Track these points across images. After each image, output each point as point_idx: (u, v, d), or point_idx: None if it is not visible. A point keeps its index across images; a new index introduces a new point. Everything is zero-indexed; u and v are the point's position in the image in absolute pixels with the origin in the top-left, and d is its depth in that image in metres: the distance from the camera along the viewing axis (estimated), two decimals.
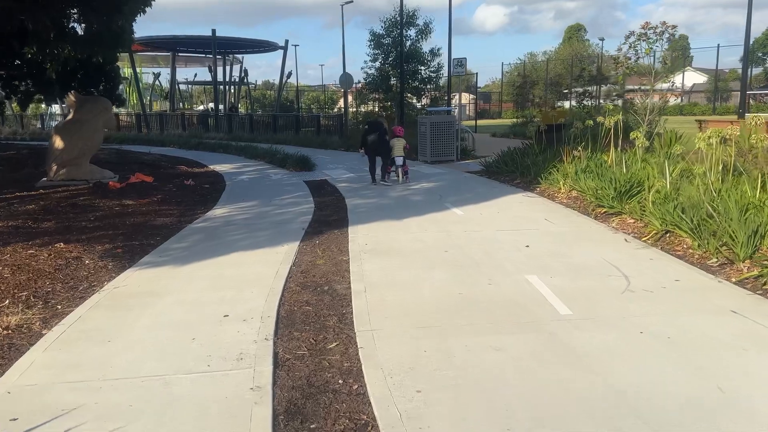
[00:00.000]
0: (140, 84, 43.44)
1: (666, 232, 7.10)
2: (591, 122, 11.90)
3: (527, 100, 51.31)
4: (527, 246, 7.02)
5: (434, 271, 6.10)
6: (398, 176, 12.76)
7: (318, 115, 28.13)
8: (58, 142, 12.61)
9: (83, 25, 13.04)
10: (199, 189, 12.80)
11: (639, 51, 12.04)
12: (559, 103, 48.55)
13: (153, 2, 13.08)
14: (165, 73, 50.99)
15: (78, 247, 7.42)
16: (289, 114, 30.40)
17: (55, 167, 12.79)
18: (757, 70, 57.06)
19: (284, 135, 25.98)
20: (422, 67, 22.91)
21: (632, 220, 7.97)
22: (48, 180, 12.83)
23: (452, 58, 17.28)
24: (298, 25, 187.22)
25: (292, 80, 51.77)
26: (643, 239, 7.21)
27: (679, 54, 13.67)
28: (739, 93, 43.64)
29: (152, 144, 27.08)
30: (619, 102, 13.29)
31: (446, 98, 23.60)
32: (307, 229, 8.36)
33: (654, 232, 7.21)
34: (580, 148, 11.34)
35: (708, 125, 15.10)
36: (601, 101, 22.08)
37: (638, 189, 8.59)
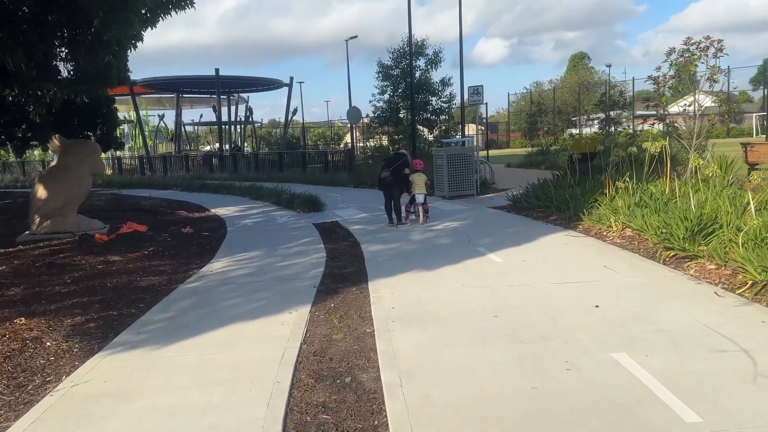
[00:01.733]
0: (144, 126, 42.77)
1: (767, 282, 5.66)
2: (635, 149, 10.55)
3: (537, 129, 50.41)
4: (596, 306, 5.59)
5: (489, 349, 4.67)
6: (419, 216, 11.41)
7: (325, 151, 27.04)
8: (41, 192, 11.39)
9: (69, 64, 11.99)
10: (197, 237, 11.48)
11: (681, 69, 10.79)
12: (569, 131, 47.61)
13: (143, 35, 12.02)
14: (171, 114, 50.49)
15: (41, 323, 6.05)
16: (295, 151, 29.38)
17: (38, 219, 11.54)
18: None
19: (291, 173, 24.87)
20: (433, 98, 21.83)
21: (713, 266, 6.53)
22: (30, 234, 11.58)
23: (467, 86, 16.17)
24: (302, 65, 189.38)
25: (298, 117, 51.11)
26: (738, 292, 5.76)
27: (726, 72, 12.59)
28: (752, 115, 42.32)
29: (154, 187, 26.03)
30: (660, 126, 11.92)
31: (460, 129, 22.44)
32: (319, 287, 6.98)
33: (750, 282, 5.77)
34: (625, 178, 9.98)
35: (754, 148, 13.74)
36: (625, 126, 20.74)
37: (713, 226, 7.17)
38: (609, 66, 69.66)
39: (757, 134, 37.45)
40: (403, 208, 11.50)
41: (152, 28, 12.33)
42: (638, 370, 4.09)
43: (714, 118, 11.30)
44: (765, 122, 38.84)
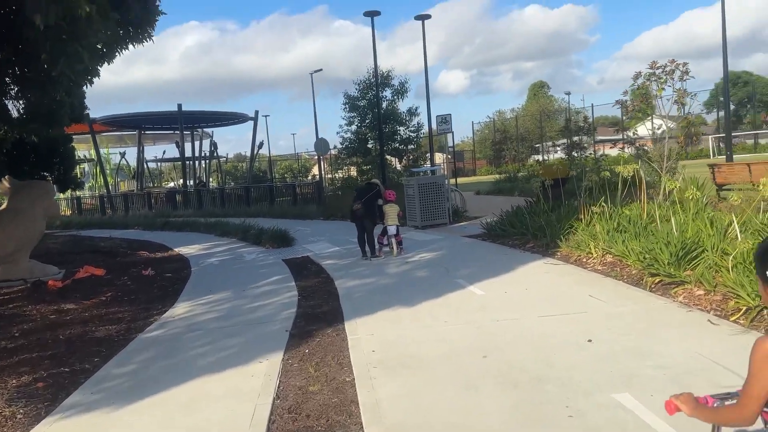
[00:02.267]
0: (104, 164, 41.67)
1: (762, 308, 5.43)
2: (608, 173, 10.46)
3: (502, 156, 51.24)
4: (590, 340, 5.26)
5: (481, 396, 4.28)
6: (392, 248, 11.04)
7: (293, 183, 26.63)
8: None
9: (20, 102, 11.40)
10: (159, 279, 10.86)
11: (649, 92, 10.83)
12: (533, 157, 48.39)
13: (100, 70, 11.54)
14: (134, 152, 49.38)
15: None
16: (262, 185, 28.86)
17: None
18: (722, 113, 57.94)
19: (258, 207, 24.31)
20: (401, 128, 21.73)
21: (702, 292, 6.30)
22: None
23: (435, 115, 16.09)
24: (267, 99, 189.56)
25: (264, 151, 50.64)
26: (732, 318, 5.52)
27: (693, 95, 12.83)
28: (708, 137, 43.69)
29: (115, 227, 25.11)
30: (630, 150, 11.92)
31: (429, 157, 22.36)
32: (291, 330, 6.50)
33: (744, 308, 5.54)
34: (600, 202, 9.84)
35: (721, 169, 13.88)
36: (590, 152, 20.95)
37: (696, 250, 6.99)
38: (568, 93, 71.70)
39: (713, 156, 38.54)
40: (375, 240, 11.14)
41: (109, 63, 11.86)
42: (645, 413, 3.75)
43: (683, 140, 11.32)
44: (721, 144, 40.03)
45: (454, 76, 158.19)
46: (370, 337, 5.93)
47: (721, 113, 52.59)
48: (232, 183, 45.58)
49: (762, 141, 45.21)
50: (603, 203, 9.71)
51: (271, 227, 15.24)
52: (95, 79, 12.05)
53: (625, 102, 11.44)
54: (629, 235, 8.16)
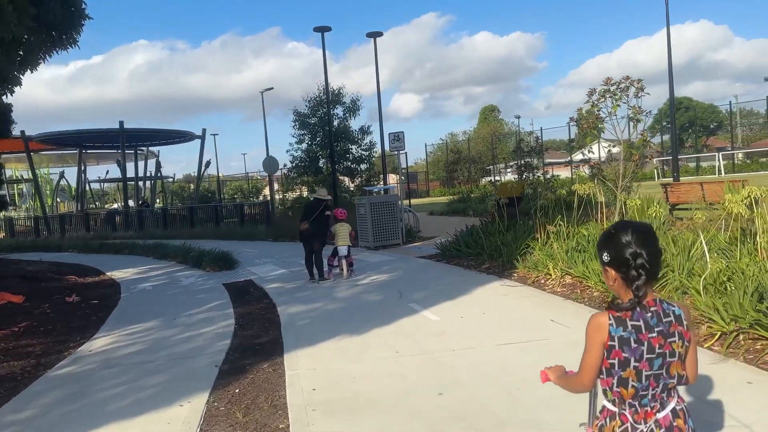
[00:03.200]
0: (41, 185, 39.44)
1: (738, 333, 5.02)
2: (564, 192, 10.13)
3: (455, 177, 51.68)
4: None
5: None
6: (342, 270, 10.35)
7: (241, 203, 25.59)
8: None
9: None
10: (83, 307, 9.82)
11: (603, 109, 10.62)
12: (485, 179, 48.88)
13: (21, 79, 10.56)
14: (75, 171, 47.02)
15: None
16: (207, 205, 27.68)
17: None
18: (665, 137, 60.12)
19: (203, 229, 23.21)
20: (353, 146, 21.18)
21: None
22: None
23: (388, 132, 15.60)
24: (218, 120, 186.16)
25: (213, 171, 49.23)
26: (707, 345, 5.08)
27: (649, 112, 12.84)
28: (653, 160, 45.07)
29: (49, 249, 23.52)
30: (585, 169, 11.67)
31: (382, 177, 21.87)
32: (222, 366, 5.71)
33: (719, 333, 5.12)
34: (558, 221, 9.47)
35: (674, 189, 13.85)
36: (542, 173, 20.91)
37: (662, 270, 6.60)
38: (518, 117, 73.20)
39: (657, 178, 39.57)
40: (325, 262, 10.43)
41: (32, 71, 10.93)
42: None
43: (638, 159, 11.13)
44: (665, 167, 41.21)
45: (407, 99, 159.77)
46: (312, 373, 5.22)
47: (665, 137, 54.69)
48: (179, 204, 43.94)
49: (703, 164, 46.88)
50: (560, 222, 9.34)
51: (214, 249, 14.31)
52: (17, 89, 11.08)
53: (579, 120, 11.19)
54: (589, 255, 7.75)
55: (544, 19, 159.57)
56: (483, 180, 49.12)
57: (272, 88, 28.87)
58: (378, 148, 22.50)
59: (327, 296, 8.94)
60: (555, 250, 8.41)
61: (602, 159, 12.18)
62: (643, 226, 2.02)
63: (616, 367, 1.93)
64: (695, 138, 57.28)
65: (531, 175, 19.84)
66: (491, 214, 12.49)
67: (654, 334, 1.91)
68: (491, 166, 51.05)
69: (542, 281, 8.33)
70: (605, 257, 1.98)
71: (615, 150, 11.22)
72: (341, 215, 10.55)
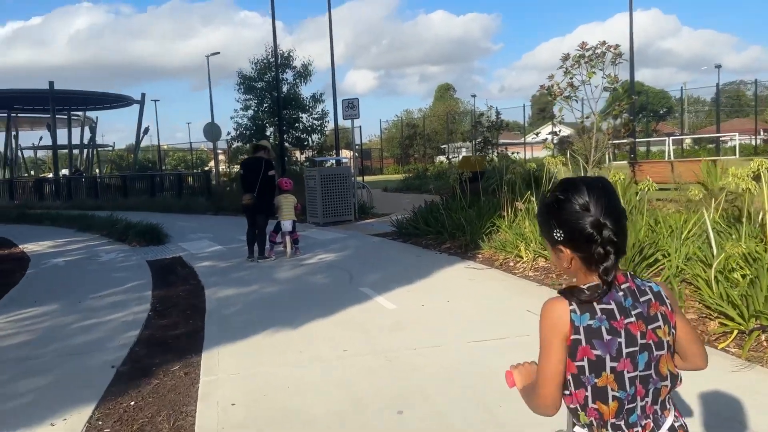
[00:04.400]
0: None
1: (761, 331, 4.14)
2: (533, 165, 9.20)
3: (409, 155, 51.11)
4: None
5: None
6: (286, 248, 9.14)
7: (179, 173, 23.82)
8: None
9: None
10: None
11: (577, 77, 9.71)
12: (439, 158, 48.33)
13: None
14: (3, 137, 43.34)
15: None
16: (143, 174, 25.72)
17: None
18: (617, 121, 60.90)
19: (138, 200, 21.38)
20: (304, 114, 19.76)
21: None
22: None
23: (341, 99, 14.31)
24: (165, 88, 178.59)
25: (155, 140, 46.58)
26: (721, 346, 4.20)
27: (626, 81, 12.10)
28: (624, 135, 45.34)
29: None
30: (554, 144, 10.79)
31: (334, 151, 20.58)
32: (121, 367, 4.48)
33: (734, 331, 4.23)
34: (527, 197, 8.54)
35: (643, 167, 13.22)
36: (501, 150, 20.20)
37: (654, 255, 5.72)
38: (474, 96, 72.35)
39: (608, 162, 39.72)
40: (267, 239, 9.19)
41: None
42: None
43: (610, 132, 10.31)
44: (615, 151, 41.42)
45: (362, 76, 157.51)
46: (234, 380, 4.05)
47: (617, 121, 55.25)
48: (116, 173, 41.34)
49: (653, 149, 47.58)
50: (531, 198, 8.40)
51: (143, 221, 12.81)
52: None
53: (551, 87, 10.26)
54: None
55: (499, 0, 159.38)
56: (438, 158, 48.52)
57: (219, 53, 26.98)
58: (330, 118, 21.20)
59: (266, 277, 7.74)
60: (526, 229, 7.46)
61: (569, 133, 11.38)
62: (600, 181, 1.44)
63: (587, 372, 1.40)
64: (646, 122, 58.11)
65: (490, 151, 19.01)
66: (452, 190, 11.50)
67: (632, 319, 1.41)
68: (446, 145, 50.60)
69: (512, 264, 7.38)
70: (557, 234, 1.44)
71: (588, 121, 10.36)
72: (286, 185, 9.31)
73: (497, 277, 6.92)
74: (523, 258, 7.15)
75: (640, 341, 1.39)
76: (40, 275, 8.98)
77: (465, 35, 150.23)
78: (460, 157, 40.41)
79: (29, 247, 12.18)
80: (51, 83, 29.41)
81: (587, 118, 10.18)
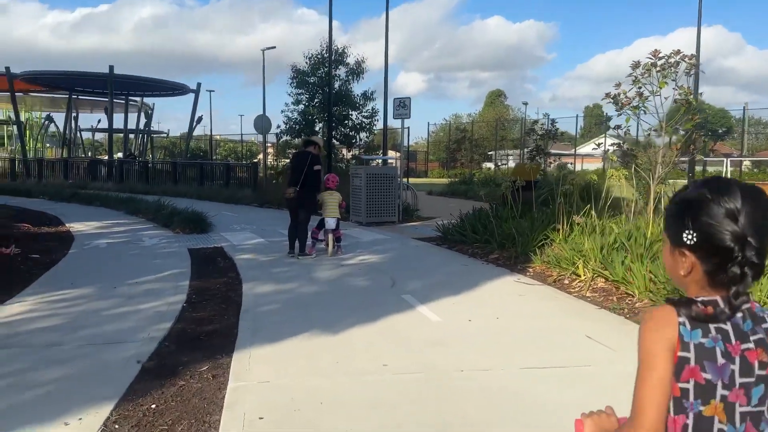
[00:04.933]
0: (22, 126, 37.48)
1: None
2: (595, 177, 8.66)
3: (455, 159, 50.73)
4: None
5: None
6: (328, 246, 8.86)
7: (227, 164, 23.98)
8: None
9: None
10: (19, 261, 8.30)
11: (648, 86, 9.09)
12: (485, 164, 47.55)
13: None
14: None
15: None
16: (192, 162, 26.02)
17: None
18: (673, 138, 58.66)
19: (186, 187, 21.59)
20: (353, 112, 19.51)
21: None
22: None
23: (392, 98, 13.99)
24: (218, 80, 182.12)
25: (208, 130, 47.34)
26: None
27: (700, 93, 11.35)
28: (693, 152, 43.64)
29: (19, 194, 21.90)
30: (617, 155, 10.15)
31: (382, 150, 20.28)
32: (147, 363, 4.23)
33: None
34: (586, 211, 8.01)
35: None
36: (555, 160, 19.46)
37: None
38: (525, 104, 71.23)
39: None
40: (309, 235, 8.93)
41: None
42: None
43: (679, 148, 9.61)
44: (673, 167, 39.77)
45: (412, 78, 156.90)
46: (264, 389, 3.74)
47: (673, 138, 53.16)
48: (168, 159, 42.24)
49: (709, 168, 45.61)
50: (589, 212, 7.86)
51: (188, 209, 12.77)
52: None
53: (617, 96, 9.65)
54: (632, 255, 6.28)
55: (559, 9, 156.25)
56: (484, 164, 47.79)
57: (275, 47, 27.03)
58: (379, 118, 20.89)
59: (305, 276, 7.45)
60: (585, 245, 6.92)
61: (626, 147, 10.69)
62: (755, 190, 1.19)
63: (692, 397, 1.17)
64: (704, 141, 55.86)
65: (543, 160, 18.32)
66: (502, 198, 10.99)
67: (750, 345, 1.17)
68: (493, 152, 49.89)
69: (566, 282, 6.87)
70: (688, 236, 1.20)
71: (656, 134, 9.68)
72: (332, 183, 9.03)
73: (550, 295, 6.43)
74: (580, 276, 6.63)
75: (757, 372, 1.18)
76: (81, 255, 8.95)
77: (520, 42, 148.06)
78: (509, 164, 39.68)
79: (75, 227, 12.30)
80: (111, 68, 30.13)
81: (654, 130, 9.52)
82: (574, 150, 43.73)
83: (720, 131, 60.96)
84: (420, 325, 5.21)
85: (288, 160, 10.52)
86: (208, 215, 12.41)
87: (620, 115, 9.74)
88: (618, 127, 9.71)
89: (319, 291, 6.59)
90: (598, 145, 12.78)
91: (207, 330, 5.08)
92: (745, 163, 43.11)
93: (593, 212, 7.78)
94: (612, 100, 9.85)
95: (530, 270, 7.66)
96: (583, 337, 4.84)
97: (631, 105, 9.39)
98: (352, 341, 4.72)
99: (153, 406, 3.49)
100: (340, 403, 3.51)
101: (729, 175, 26.12)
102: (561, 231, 8.27)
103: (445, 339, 4.78)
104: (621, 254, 6.38)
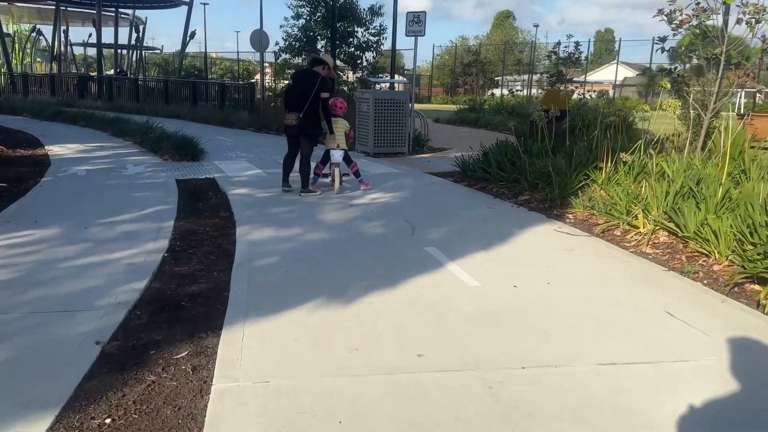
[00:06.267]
0: (4, 38, 35.17)
1: None
2: (647, 107, 7.46)
3: (460, 85, 48.87)
4: None
5: None
6: (335, 182, 7.77)
7: (222, 83, 22.37)
8: None
9: None
10: None
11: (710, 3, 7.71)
12: (490, 91, 45.51)
13: None
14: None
15: None
16: (186, 81, 24.35)
17: None
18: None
19: (179, 107, 20.14)
20: (359, 29, 17.83)
21: None
22: None
23: (407, 12, 12.41)
24: None
25: (203, 47, 44.88)
26: None
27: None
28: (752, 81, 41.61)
29: (1, 112, 20.49)
30: (665, 83, 8.83)
31: (387, 70, 18.77)
32: (107, 345, 3.24)
33: None
34: (637, 147, 6.89)
35: (753, 121, 11.18)
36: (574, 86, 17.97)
37: None
38: (536, 26, 67.84)
39: (659, 110, 36.46)
40: (312, 168, 7.81)
41: None
42: None
43: (737, 76, 8.31)
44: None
45: None
46: (260, 392, 2.75)
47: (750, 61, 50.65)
48: (161, 77, 40.21)
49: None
50: (638, 149, 6.73)
51: (179, 132, 11.56)
52: None
53: (672, 13, 8.25)
54: (705, 205, 5.20)
55: None
56: (490, 91, 45.73)
57: None
58: (388, 35, 19.21)
59: (309, 218, 6.40)
60: (647, 191, 5.83)
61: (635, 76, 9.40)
62: None
63: None
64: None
65: (564, 87, 16.91)
66: (532, 129, 9.79)
67: None
68: (500, 77, 47.79)
69: (617, 233, 5.83)
70: None
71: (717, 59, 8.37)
72: (340, 109, 7.80)
73: (603, 250, 5.40)
74: (638, 228, 5.59)
75: None
76: (54, 185, 7.87)
77: None
78: (524, 92, 37.79)
79: (54, 150, 11.15)
80: None
81: (719, 54, 8.19)
82: (584, 77, 41.76)
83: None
84: (455, 291, 4.21)
85: (288, 81, 9.23)
86: (201, 140, 11.21)
87: (676, 35, 8.39)
88: (673, 50, 8.39)
89: (326, 239, 5.56)
90: (644, 70, 11.39)
91: (190, 292, 4.07)
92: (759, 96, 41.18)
93: (652, 150, 6.63)
94: (665, 18, 8.45)
95: (570, 216, 6.62)
96: (664, 315, 3.84)
97: (691, 24, 8.04)
98: (372, 316, 3.72)
99: (108, 420, 2.52)
100: (362, 417, 2.54)
101: (741, 107, 23.97)
102: (604, 171, 7.18)
103: (492, 314, 3.78)
104: (691, 203, 5.30)
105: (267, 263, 4.73)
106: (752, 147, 9.98)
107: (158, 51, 54.46)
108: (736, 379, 2.99)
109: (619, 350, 3.29)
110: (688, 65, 8.64)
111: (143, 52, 42.54)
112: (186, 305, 3.84)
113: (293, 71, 12.28)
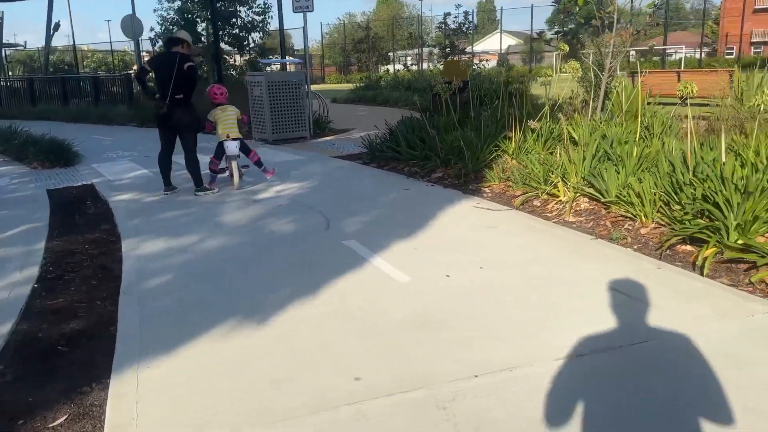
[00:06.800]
0: None
1: None
2: (549, 73, 7.36)
3: (353, 63, 48.49)
4: None
5: None
6: (233, 176, 7.04)
7: (95, 77, 20.44)
8: None
9: None
10: None
11: None
12: (383, 67, 45.44)
13: None
14: None
15: None
16: (53, 78, 22.03)
17: None
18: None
19: (49, 107, 18.14)
20: (242, 8, 16.75)
21: None
22: None
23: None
24: None
25: (71, 40, 41.04)
26: None
27: None
28: (552, 54, 43.47)
29: None
30: (562, 46, 8.79)
31: (276, 51, 17.88)
32: None
33: None
34: (544, 114, 6.74)
35: (646, 77, 11.54)
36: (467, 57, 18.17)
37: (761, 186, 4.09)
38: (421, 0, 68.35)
39: (556, 73, 38.17)
40: (208, 165, 7.02)
41: None
42: None
43: (630, 33, 8.40)
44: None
45: None
46: None
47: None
48: (25, 75, 36.48)
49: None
50: (544, 115, 6.59)
51: (48, 135, 10.21)
52: None
53: None
54: (623, 167, 5.07)
55: None
56: (383, 67, 45.60)
57: None
58: (273, 15, 18.32)
59: (208, 221, 5.69)
60: (565, 158, 5.64)
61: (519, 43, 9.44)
62: None
63: None
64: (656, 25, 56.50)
65: (458, 58, 16.92)
66: (436, 102, 9.50)
67: None
68: (391, 53, 47.87)
69: (536, 204, 5.64)
70: None
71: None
72: (221, 96, 6.99)
73: (526, 224, 5.16)
74: (559, 197, 5.40)
75: None
76: None
77: None
78: (417, 66, 37.84)
79: None
80: None
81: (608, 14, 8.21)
82: (471, 47, 42.59)
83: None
84: (386, 290, 3.76)
85: (140, 66, 8.26)
86: (75, 142, 9.97)
87: None
88: (567, 12, 8.34)
89: (230, 245, 4.91)
90: (548, 41, 11.42)
91: (68, 331, 3.33)
92: (631, 53, 44.07)
93: (560, 116, 6.50)
94: None
95: (487, 190, 6.37)
96: (608, 290, 3.61)
97: None
98: (296, 334, 3.19)
99: None
100: None
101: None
102: (514, 140, 6.99)
103: (429, 315, 3.37)
104: (610, 166, 5.17)
105: (162, 283, 4.04)
106: (648, 104, 10.29)
107: (21, 47, 49.51)
108: (704, 355, 2.78)
109: (576, 339, 2.99)
110: (586, 27, 8.70)
111: (3, 49, 38.28)
112: (63, 350, 3.12)
113: (147, 58, 11.14)
